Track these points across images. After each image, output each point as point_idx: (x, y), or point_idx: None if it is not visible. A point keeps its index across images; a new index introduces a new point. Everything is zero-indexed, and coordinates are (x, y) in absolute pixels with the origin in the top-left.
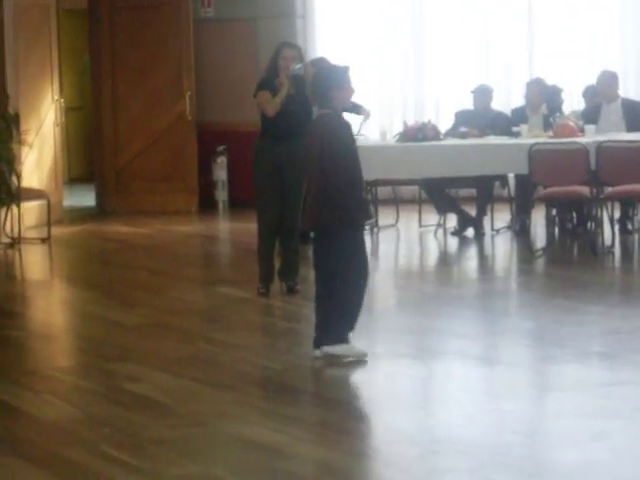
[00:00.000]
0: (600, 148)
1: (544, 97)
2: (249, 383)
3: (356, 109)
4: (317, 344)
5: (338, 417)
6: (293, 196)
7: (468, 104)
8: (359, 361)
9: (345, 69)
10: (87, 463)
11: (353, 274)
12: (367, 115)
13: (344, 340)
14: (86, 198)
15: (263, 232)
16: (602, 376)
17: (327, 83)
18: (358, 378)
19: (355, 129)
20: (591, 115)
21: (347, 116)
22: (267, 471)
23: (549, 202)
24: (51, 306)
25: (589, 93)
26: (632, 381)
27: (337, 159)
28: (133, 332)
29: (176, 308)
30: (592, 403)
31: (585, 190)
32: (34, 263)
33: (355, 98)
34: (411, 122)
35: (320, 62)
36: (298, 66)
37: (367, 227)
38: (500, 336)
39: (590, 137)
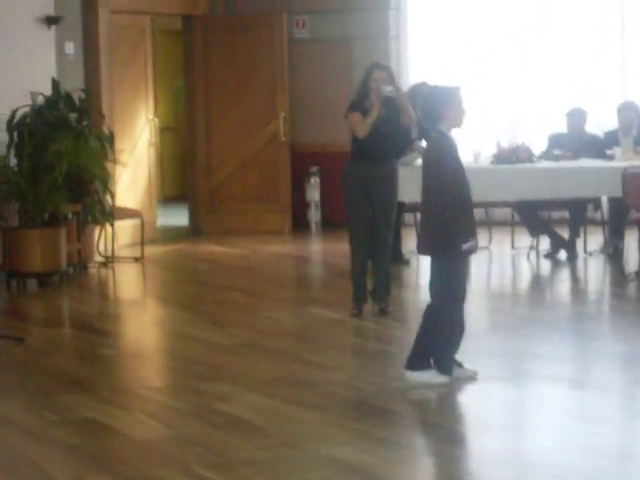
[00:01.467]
0: None
1: (636, 120)
2: (340, 404)
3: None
4: (405, 366)
5: (429, 439)
6: (382, 217)
7: (561, 127)
8: (451, 384)
9: (456, 89)
10: None
11: (444, 303)
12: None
13: (428, 367)
14: (179, 217)
15: (355, 253)
16: None
17: (437, 102)
18: (449, 400)
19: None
20: None
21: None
22: None
23: None
24: (143, 325)
25: None
26: None
27: (440, 181)
28: (225, 352)
29: (268, 328)
30: None
31: None
32: (127, 282)
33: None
34: (504, 144)
35: (422, 87)
36: (389, 88)
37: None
38: (592, 359)
39: None
